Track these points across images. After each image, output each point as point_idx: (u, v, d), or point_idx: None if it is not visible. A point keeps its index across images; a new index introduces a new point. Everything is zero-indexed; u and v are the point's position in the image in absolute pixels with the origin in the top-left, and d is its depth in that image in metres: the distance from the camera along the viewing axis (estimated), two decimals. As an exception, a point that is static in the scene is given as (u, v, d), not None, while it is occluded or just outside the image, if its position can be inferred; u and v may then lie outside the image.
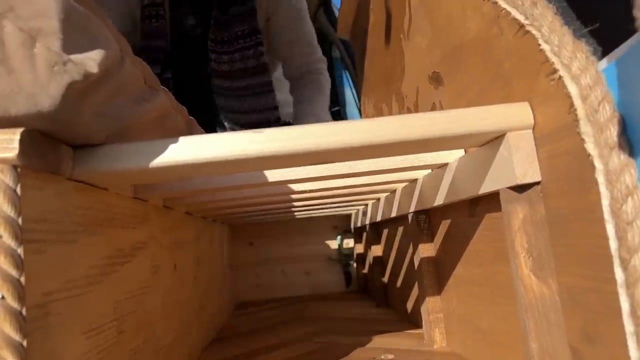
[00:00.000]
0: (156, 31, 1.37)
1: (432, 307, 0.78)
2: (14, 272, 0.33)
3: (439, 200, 0.66)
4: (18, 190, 0.34)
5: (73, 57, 0.36)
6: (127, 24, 1.39)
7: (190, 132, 0.75)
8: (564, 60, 0.40)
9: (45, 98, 0.34)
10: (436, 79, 0.71)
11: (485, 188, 0.51)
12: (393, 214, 0.95)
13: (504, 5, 0.48)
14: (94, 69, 0.36)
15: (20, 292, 0.33)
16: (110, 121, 0.42)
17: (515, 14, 0.46)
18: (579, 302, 0.40)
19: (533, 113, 0.44)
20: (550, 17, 0.42)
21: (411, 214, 0.83)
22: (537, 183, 0.44)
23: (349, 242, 1.69)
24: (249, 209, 1.05)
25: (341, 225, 1.71)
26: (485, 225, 0.58)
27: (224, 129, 1.46)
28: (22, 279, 0.33)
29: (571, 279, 0.41)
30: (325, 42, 2.90)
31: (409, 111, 0.87)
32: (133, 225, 0.58)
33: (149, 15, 1.37)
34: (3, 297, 0.32)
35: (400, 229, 1.04)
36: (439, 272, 0.78)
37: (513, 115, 0.44)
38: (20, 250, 0.33)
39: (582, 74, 0.38)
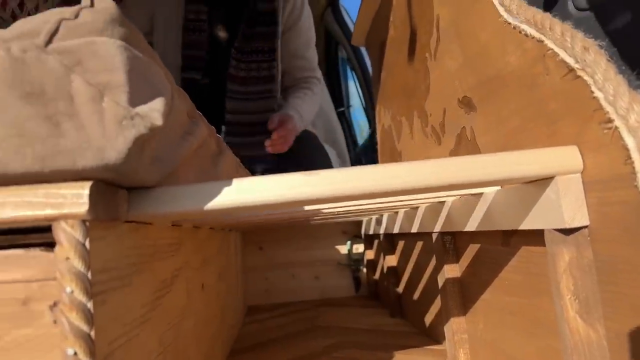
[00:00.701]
0: (199, 42, 1.61)
1: (456, 328, 0.79)
2: (85, 328, 0.33)
3: (471, 227, 0.66)
4: (87, 244, 0.34)
5: (139, 109, 0.36)
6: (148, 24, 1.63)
7: (220, 151, 0.75)
8: (620, 111, 0.40)
9: (112, 152, 0.34)
10: (467, 104, 0.71)
11: (528, 225, 0.51)
12: (413, 230, 0.95)
13: (551, 45, 0.49)
14: (159, 121, 0.36)
15: (91, 346, 0.33)
16: (164, 164, 0.42)
17: (564, 56, 0.47)
18: (629, 349, 0.40)
19: (582, 157, 0.45)
20: (604, 65, 0.43)
21: (436, 233, 0.84)
22: (585, 226, 0.45)
23: (359, 248, 1.70)
24: (265, 219, 1.05)
25: (351, 230, 1.72)
26: (522, 257, 0.59)
27: (227, 126, 1.68)
28: (92, 333, 0.33)
29: (621, 326, 0.41)
30: (332, 42, 2.90)
31: (433, 130, 0.87)
32: (172, 253, 0.58)
33: (193, 29, 1.60)
34: (75, 354, 0.33)
35: (419, 244, 1.04)
36: (464, 293, 0.79)
37: (562, 160, 0.45)
38: (90, 305, 0.34)
39: (641, 126, 0.39)
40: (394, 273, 1.28)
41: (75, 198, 0.34)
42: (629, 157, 0.39)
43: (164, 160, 0.42)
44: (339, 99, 2.92)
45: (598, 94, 0.42)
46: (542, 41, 0.50)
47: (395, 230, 1.11)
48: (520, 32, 0.54)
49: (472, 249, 0.75)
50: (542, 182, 0.47)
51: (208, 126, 0.67)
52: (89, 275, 0.34)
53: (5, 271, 0.34)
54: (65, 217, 0.33)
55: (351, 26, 2.68)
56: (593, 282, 0.44)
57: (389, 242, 1.31)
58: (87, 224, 0.34)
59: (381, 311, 1.35)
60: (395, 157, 1.18)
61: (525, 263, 0.58)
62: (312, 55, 1.83)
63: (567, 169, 0.45)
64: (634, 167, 0.38)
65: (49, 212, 0.33)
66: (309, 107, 1.73)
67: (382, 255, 1.40)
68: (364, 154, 2.91)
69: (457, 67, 0.73)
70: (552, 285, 0.48)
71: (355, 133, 3.13)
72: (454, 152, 0.78)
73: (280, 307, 1.57)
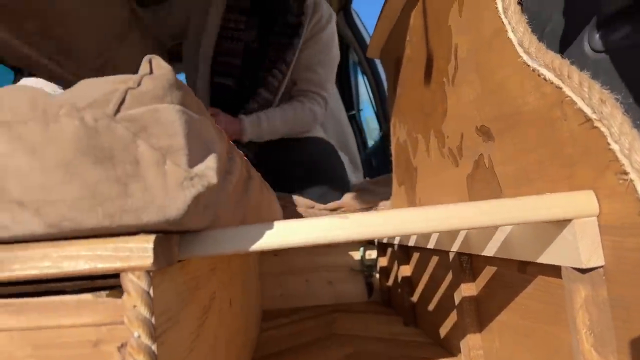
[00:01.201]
0: (235, 51, 1.71)
1: (472, 344, 0.82)
2: (151, 368, 0.37)
3: (488, 252, 0.70)
4: (151, 292, 0.38)
5: (197, 170, 0.39)
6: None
7: (249, 176, 0.78)
8: (635, 165, 0.43)
9: (173, 210, 0.38)
10: (486, 133, 0.74)
11: (545, 259, 0.55)
12: (429, 246, 0.99)
13: (569, 93, 0.52)
14: (214, 179, 0.40)
15: (156, 384, 0.37)
16: (212, 209, 0.46)
17: (581, 105, 0.50)
18: (641, 383, 0.44)
19: (598, 202, 0.48)
20: (620, 118, 0.46)
21: (453, 253, 0.87)
22: (601, 266, 0.48)
23: (372, 254, 1.74)
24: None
25: (364, 237, 1.75)
26: (538, 285, 0.62)
27: None
28: (157, 373, 0.37)
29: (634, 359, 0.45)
30: (343, 45, 2.92)
31: (450, 151, 0.90)
32: (209, 279, 0.62)
33: (230, 37, 1.70)
34: (143, 393, 0.37)
35: (435, 259, 1.08)
36: (480, 311, 0.83)
37: (580, 204, 0.48)
38: (154, 347, 0.37)
39: (654, 181, 0.42)
40: (409, 283, 1.32)
41: (141, 252, 0.37)
42: (642, 209, 0.42)
43: (211, 206, 0.46)
44: (349, 102, 2.95)
45: (614, 146, 0.45)
46: (560, 88, 0.53)
47: (411, 243, 1.14)
48: (539, 75, 0.57)
49: (489, 271, 0.78)
50: (560, 222, 0.51)
51: (239, 154, 0.71)
52: (153, 320, 0.38)
53: (77, 315, 0.38)
54: (132, 269, 0.37)
55: (362, 30, 2.71)
56: (608, 318, 0.48)
57: (404, 252, 1.35)
58: (151, 274, 0.38)
59: (395, 319, 1.38)
60: (411, 171, 1.22)
61: (541, 291, 0.62)
62: (325, 73, 1.85)
63: (584, 213, 0.48)
64: (647, 219, 0.41)
65: (118, 264, 0.37)
66: (285, 119, 1.75)
67: (396, 264, 1.43)
68: (374, 155, 2.94)
69: (475, 97, 0.76)
70: (569, 319, 0.51)
71: (366, 135, 3.16)
72: (471, 177, 0.81)
73: (295, 312, 1.61)
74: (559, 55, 0.56)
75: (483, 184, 0.76)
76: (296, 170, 1.79)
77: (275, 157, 1.76)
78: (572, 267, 0.50)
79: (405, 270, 1.33)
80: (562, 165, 0.54)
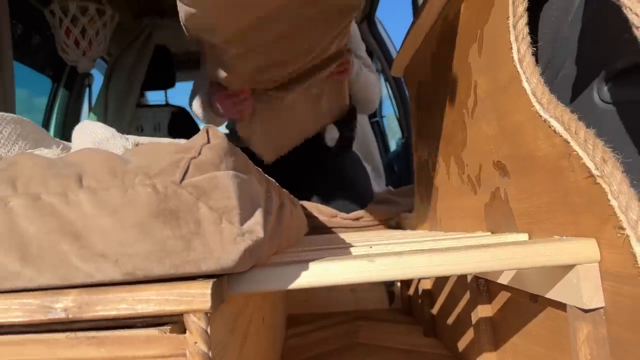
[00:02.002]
0: None
1: (488, 362, 0.88)
2: (209, 395, 0.44)
3: (503, 280, 0.75)
4: (208, 330, 0.45)
5: (246, 226, 0.46)
6: None
7: (281, 204, 0.85)
8: (630, 222, 0.49)
9: (228, 261, 0.45)
10: (502, 169, 0.79)
11: (552, 295, 0.60)
12: (449, 265, 1.04)
13: (575, 147, 0.57)
14: (261, 234, 0.47)
15: (213, 409, 0.44)
16: (257, 255, 0.53)
17: (586, 160, 0.55)
18: (635, 414, 0.49)
19: (600, 249, 0.53)
20: (619, 178, 0.51)
21: (470, 275, 0.93)
22: (601, 307, 0.54)
23: (393, 263, 1.79)
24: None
25: (386, 246, 1.81)
26: (548, 315, 0.68)
27: None
28: (213, 399, 0.45)
29: (628, 394, 0.50)
30: (367, 52, 2.97)
31: (470, 180, 0.96)
32: (246, 304, 0.70)
33: None
34: (204, 415, 0.44)
35: (454, 277, 1.14)
36: (495, 331, 0.88)
37: (583, 251, 0.54)
38: (211, 379, 0.45)
39: (646, 238, 0.47)
40: (429, 295, 1.38)
41: (200, 297, 0.45)
42: (636, 262, 0.47)
43: (256, 252, 0.53)
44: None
45: (613, 202, 0.51)
46: (568, 142, 0.58)
47: (431, 259, 1.20)
48: (549, 126, 0.62)
49: (504, 295, 0.84)
50: (565, 266, 0.56)
51: (274, 186, 0.78)
52: (210, 354, 0.45)
53: (147, 348, 0.46)
54: (193, 311, 0.44)
55: (386, 38, 2.76)
56: (607, 354, 0.53)
57: (424, 265, 1.40)
58: (208, 314, 0.45)
59: (415, 329, 1.44)
60: (433, 190, 1.27)
61: (550, 321, 0.67)
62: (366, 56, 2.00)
63: (587, 259, 0.54)
64: (639, 271, 0.47)
65: (182, 307, 0.44)
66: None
67: (419, 278, 1.49)
68: (396, 160, 3.00)
69: (493, 133, 0.82)
70: (572, 352, 0.57)
71: (388, 140, 3.21)
72: (488, 207, 0.86)
73: (320, 319, 1.68)
74: (568, 110, 0.61)
75: (500, 216, 0.81)
76: (321, 180, 1.86)
77: (301, 165, 1.82)
78: (575, 307, 0.56)
79: (426, 283, 1.39)
80: (569, 212, 0.59)
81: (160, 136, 2.64)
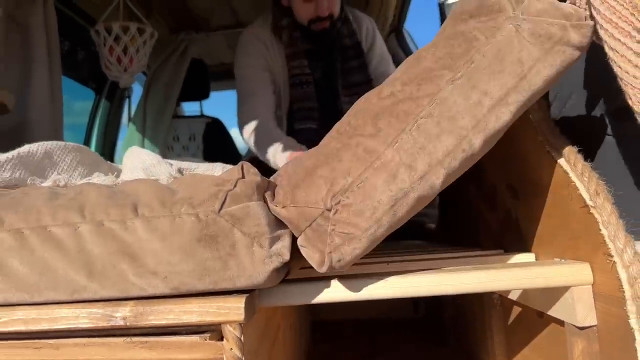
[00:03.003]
0: (309, 95, 1.72)
1: (501, 372, 0.94)
2: (242, 394, 0.52)
3: (513, 296, 0.81)
4: (242, 338, 0.53)
5: (274, 249, 0.54)
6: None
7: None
8: (617, 251, 0.54)
9: (258, 279, 0.53)
10: (513, 191, 0.85)
11: (553, 313, 0.66)
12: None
13: (574, 178, 0.63)
14: (287, 256, 0.55)
15: (245, 405, 0.52)
16: (284, 272, 0.61)
17: (582, 191, 0.61)
18: None
19: (593, 273, 0.59)
20: (609, 209, 0.57)
21: (485, 289, 0.98)
22: (594, 325, 0.59)
23: (417, 272, 1.85)
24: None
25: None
26: (552, 330, 0.73)
27: None
28: (245, 397, 0.52)
29: (617, 406, 0.56)
30: (395, 63, 3.03)
31: (486, 197, 1.01)
32: (274, 313, 0.77)
33: (299, 83, 1.72)
34: (237, 411, 0.52)
35: (472, 288, 1.19)
36: (509, 342, 0.93)
37: (578, 275, 0.59)
38: (244, 378, 0.52)
39: (631, 266, 0.53)
40: (450, 305, 1.43)
41: (236, 310, 0.52)
42: (621, 286, 0.53)
43: (283, 270, 0.60)
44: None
45: (604, 231, 0.56)
46: (567, 173, 0.64)
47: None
48: (552, 156, 0.68)
49: (516, 309, 0.89)
50: (562, 287, 0.62)
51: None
52: (243, 358, 0.53)
53: (191, 352, 0.54)
54: (230, 322, 0.52)
55: (414, 49, 2.81)
56: (599, 368, 0.59)
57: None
58: (242, 325, 0.53)
59: (439, 338, 1.49)
60: (455, 204, 1.33)
61: (554, 335, 0.72)
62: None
63: (580, 282, 0.59)
64: (624, 295, 0.52)
65: (220, 319, 0.52)
66: None
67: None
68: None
69: (503, 158, 0.87)
70: (569, 365, 0.62)
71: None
72: (503, 223, 0.92)
73: (345, 325, 1.75)
74: (569, 142, 0.67)
75: (512, 235, 0.87)
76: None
77: None
78: (572, 324, 0.61)
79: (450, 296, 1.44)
80: (570, 236, 0.65)
81: (195, 145, 2.76)
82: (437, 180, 0.54)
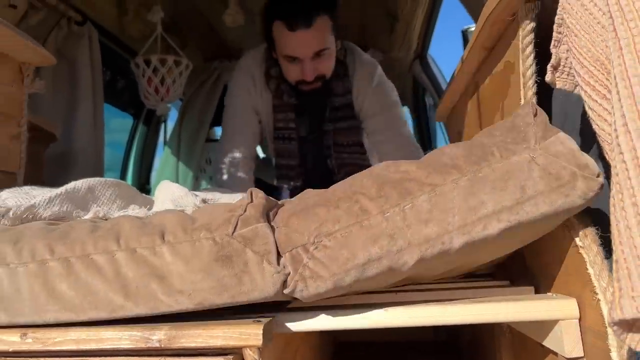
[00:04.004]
0: (290, 152, 1.61)
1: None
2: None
3: (516, 326, 0.86)
4: (259, 360, 0.60)
5: (281, 264, 0.61)
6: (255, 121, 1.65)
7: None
8: (601, 289, 0.59)
9: (269, 292, 0.60)
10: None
11: (547, 343, 0.70)
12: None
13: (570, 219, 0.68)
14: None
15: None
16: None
17: (573, 232, 0.66)
18: None
19: (581, 308, 0.64)
20: (595, 250, 0.62)
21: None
22: (582, 357, 0.64)
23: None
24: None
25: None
26: (551, 359, 0.78)
27: None
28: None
29: None
30: (419, 89, 3.11)
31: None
32: (293, 336, 0.84)
33: (282, 137, 1.60)
34: None
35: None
36: (516, 370, 0.98)
37: (566, 309, 0.64)
38: (260, 396, 0.60)
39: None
40: (469, 330, 1.47)
41: (255, 336, 0.60)
42: (604, 322, 0.58)
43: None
44: (427, 142, 3.12)
45: (590, 270, 0.62)
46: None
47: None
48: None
49: (523, 338, 0.93)
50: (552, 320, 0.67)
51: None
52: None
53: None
54: (249, 346, 0.60)
55: (438, 75, 2.87)
56: (588, 397, 0.63)
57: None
58: (260, 348, 0.60)
59: (455, 362, 1.53)
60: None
61: (553, 366, 0.77)
62: (393, 110, 1.67)
63: (567, 316, 0.64)
64: (606, 330, 0.58)
65: (241, 343, 0.60)
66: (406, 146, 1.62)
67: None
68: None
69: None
70: (562, 393, 0.67)
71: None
72: (511, 257, 0.97)
73: (366, 347, 1.79)
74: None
75: (519, 266, 0.92)
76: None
77: None
78: (562, 355, 0.66)
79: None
80: (564, 272, 0.70)
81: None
82: (410, 259, 0.59)
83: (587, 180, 0.60)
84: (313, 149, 1.67)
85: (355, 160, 1.64)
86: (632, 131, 0.49)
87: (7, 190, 0.83)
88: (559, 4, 0.65)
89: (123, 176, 2.90)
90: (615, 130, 0.50)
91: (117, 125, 2.95)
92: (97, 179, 0.86)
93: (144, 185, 2.95)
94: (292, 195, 1.50)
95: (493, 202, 0.59)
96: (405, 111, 3.26)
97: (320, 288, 0.60)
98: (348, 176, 1.59)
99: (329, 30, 1.43)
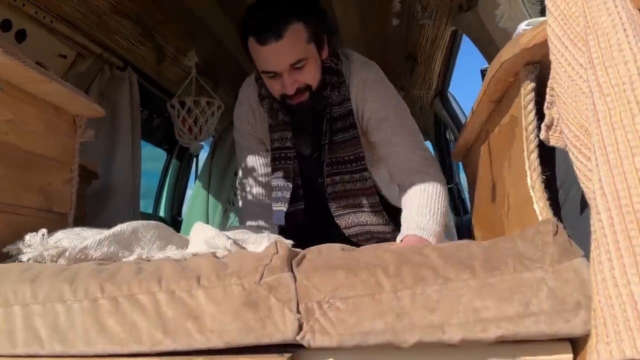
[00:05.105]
0: (286, 173, 1.49)
1: None
2: None
3: None
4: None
5: (301, 311, 0.69)
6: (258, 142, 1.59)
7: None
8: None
9: (289, 336, 0.68)
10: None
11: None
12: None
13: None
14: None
15: None
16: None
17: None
18: None
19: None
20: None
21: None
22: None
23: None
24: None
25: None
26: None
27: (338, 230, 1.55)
28: None
29: None
30: (441, 125, 3.18)
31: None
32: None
33: (279, 157, 1.49)
34: None
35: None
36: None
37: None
38: None
39: None
40: None
41: (278, 367, 0.67)
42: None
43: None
44: (448, 175, 3.17)
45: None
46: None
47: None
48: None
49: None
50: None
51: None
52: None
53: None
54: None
55: (458, 111, 2.94)
56: None
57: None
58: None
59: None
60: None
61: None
62: (410, 129, 1.47)
63: None
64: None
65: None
66: (431, 204, 1.36)
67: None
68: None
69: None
70: None
71: (466, 201, 3.32)
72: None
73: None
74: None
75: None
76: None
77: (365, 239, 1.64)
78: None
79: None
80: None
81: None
82: (410, 339, 0.65)
83: (584, 314, 0.62)
84: (315, 168, 1.53)
85: (353, 185, 1.50)
86: (608, 194, 0.55)
87: (61, 231, 0.94)
88: (550, 73, 0.73)
89: (156, 207, 3.04)
90: (594, 192, 0.57)
91: (146, 153, 3.09)
92: (140, 222, 0.96)
93: (175, 217, 3.08)
94: (288, 217, 1.47)
95: (496, 310, 0.64)
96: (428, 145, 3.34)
97: (325, 342, 0.67)
98: (345, 209, 1.50)
99: (305, 39, 1.30)
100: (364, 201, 1.52)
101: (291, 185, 1.50)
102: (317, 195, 1.58)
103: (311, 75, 1.36)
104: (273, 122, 1.48)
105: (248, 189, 1.57)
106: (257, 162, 1.57)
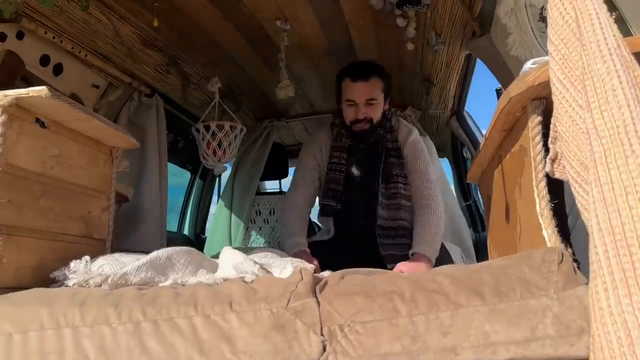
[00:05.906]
0: (336, 179, 2.02)
1: None
2: None
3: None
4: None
5: (325, 334, 0.75)
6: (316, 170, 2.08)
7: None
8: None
9: (313, 357, 0.74)
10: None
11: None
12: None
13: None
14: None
15: None
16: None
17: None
18: None
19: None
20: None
21: None
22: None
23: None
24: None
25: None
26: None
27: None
28: None
29: None
30: (458, 144, 3.23)
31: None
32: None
33: (333, 169, 2.03)
34: None
35: None
36: None
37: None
38: None
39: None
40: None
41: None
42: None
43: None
44: (466, 193, 3.21)
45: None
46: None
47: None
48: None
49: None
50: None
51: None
52: None
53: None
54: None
55: (474, 129, 2.98)
56: None
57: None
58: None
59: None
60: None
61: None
62: (424, 177, 2.01)
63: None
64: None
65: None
66: (433, 228, 1.90)
67: None
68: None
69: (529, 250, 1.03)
70: None
71: (483, 219, 3.35)
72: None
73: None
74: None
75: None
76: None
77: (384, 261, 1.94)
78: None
79: None
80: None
81: (274, 219, 3.07)
82: None
83: (586, 338, 0.66)
84: (364, 184, 2.03)
85: (397, 190, 1.99)
86: (604, 229, 0.61)
87: (102, 257, 1.02)
88: (553, 112, 0.78)
89: (181, 225, 3.13)
90: (591, 227, 0.63)
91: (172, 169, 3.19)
92: (173, 248, 1.04)
93: (199, 235, 3.17)
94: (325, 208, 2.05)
95: (505, 334, 0.69)
96: (446, 163, 3.38)
97: None
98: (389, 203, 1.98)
99: (380, 88, 1.94)
100: (404, 202, 2.01)
101: (338, 188, 2.01)
102: (362, 196, 2.04)
103: (376, 113, 1.95)
104: (336, 144, 2.05)
105: (296, 200, 2.04)
106: (306, 182, 2.07)
